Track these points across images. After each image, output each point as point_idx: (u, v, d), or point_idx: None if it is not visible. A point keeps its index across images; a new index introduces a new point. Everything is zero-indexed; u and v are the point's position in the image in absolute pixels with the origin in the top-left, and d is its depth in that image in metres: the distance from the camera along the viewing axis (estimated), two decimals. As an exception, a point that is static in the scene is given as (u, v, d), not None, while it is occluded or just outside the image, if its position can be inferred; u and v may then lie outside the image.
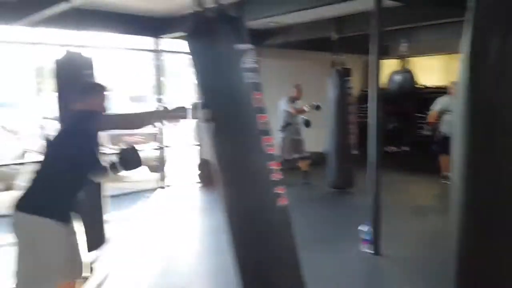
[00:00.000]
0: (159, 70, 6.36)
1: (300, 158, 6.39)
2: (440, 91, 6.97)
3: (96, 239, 3.75)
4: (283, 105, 6.26)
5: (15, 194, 2.35)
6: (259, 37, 6.88)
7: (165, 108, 2.49)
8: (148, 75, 7.11)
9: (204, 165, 6.92)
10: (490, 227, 1.43)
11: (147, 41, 6.47)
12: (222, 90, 2.14)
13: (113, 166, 2.38)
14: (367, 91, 7.27)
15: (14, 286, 2.20)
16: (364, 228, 3.82)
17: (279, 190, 2.17)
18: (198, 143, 7.17)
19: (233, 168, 2.18)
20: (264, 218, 2.14)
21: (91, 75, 3.60)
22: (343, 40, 6.09)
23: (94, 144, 2.33)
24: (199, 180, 6.91)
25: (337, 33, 5.89)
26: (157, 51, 6.31)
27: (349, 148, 6.07)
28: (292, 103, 6.27)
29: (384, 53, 8.56)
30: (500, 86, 1.34)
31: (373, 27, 3.65)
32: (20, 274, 2.20)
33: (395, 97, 7.26)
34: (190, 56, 2.28)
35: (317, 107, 6.16)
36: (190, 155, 7.54)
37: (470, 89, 1.41)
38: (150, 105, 8.34)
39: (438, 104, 6.27)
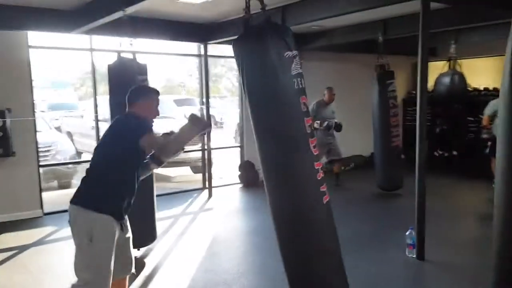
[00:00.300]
0: (205, 74, 6.52)
1: (331, 161, 6.35)
2: (493, 93, 6.69)
3: (147, 236, 3.95)
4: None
5: (70, 192, 2.50)
6: (302, 40, 6.91)
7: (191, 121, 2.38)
8: (193, 79, 7.33)
9: (245, 166, 7.05)
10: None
11: (192, 47, 6.69)
12: (272, 94, 2.23)
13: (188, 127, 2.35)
14: (414, 93, 7.12)
15: (75, 280, 2.31)
16: (408, 232, 3.77)
17: (323, 188, 2.27)
18: (240, 145, 7.30)
19: (282, 169, 2.26)
20: (313, 215, 2.25)
21: (145, 80, 3.77)
22: (390, 42, 5.98)
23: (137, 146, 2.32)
24: (240, 181, 7.03)
25: (383, 35, 5.80)
26: (203, 56, 6.48)
27: (395, 151, 5.98)
28: (324, 107, 6.14)
29: (433, 54, 8.34)
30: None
31: (421, 28, 3.59)
32: (76, 268, 2.30)
33: (443, 99, 7.04)
34: (237, 61, 2.36)
35: (328, 127, 6.03)
36: (233, 157, 7.69)
37: (510, 91, 1.40)
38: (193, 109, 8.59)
39: (490, 107, 6.04)
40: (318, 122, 5.95)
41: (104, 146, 2.44)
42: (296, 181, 2.25)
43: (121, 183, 2.36)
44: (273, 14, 4.90)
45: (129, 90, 2.56)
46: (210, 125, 2.53)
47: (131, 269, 2.57)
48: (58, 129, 9.35)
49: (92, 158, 2.45)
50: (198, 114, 2.61)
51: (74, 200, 2.33)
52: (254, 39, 2.25)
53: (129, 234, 2.52)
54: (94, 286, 2.28)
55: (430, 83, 10.82)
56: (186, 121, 2.39)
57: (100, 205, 2.28)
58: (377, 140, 6.10)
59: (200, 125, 2.36)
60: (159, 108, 2.57)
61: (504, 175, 1.46)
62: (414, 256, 3.73)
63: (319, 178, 2.26)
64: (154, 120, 2.53)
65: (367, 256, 3.87)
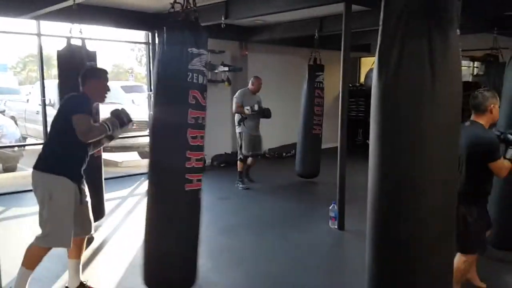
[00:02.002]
0: (152, 61, 6.73)
1: (255, 155, 6.04)
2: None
3: (96, 213, 4.19)
4: (234, 98, 5.94)
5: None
6: (247, 33, 7.35)
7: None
8: (142, 65, 7.49)
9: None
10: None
11: (141, 35, 6.89)
12: (164, 81, 2.49)
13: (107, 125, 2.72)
14: (352, 86, 7.46)
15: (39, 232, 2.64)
16: (331, 207, 4.33)
17: (191, 176, 2.50)
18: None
19: (157, 148, 2.56)
20: (171, 198, 2.53)
21: (94, 66, 3.98)
22: (329, 38, 6.46)
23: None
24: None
25: (319, 31, 6.28)
26: (151, 44, 6.70)
27: (315, 140, 6.19)
28: (249, 96, 5.92)
29: (367, 50, 9.03)
30: (397, 85, 1.79)
31: (344, 27, 4.09)
32: (40, 222, 2.64)
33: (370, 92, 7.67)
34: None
35: (261, 111, 5.81)
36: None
37: (376, 87, 1.87)
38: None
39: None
40: (249, 108, 5.71)
41: (55, 119, 2.74)
42: (164, 163, 2.51)
43: (70, 152, 2.69)
44: (218, 8, 5.27)
45: (82, 71, 2.87)
46: (131, 120, 2.88)
47: (90, 231, 2.91)
48: (3, 113, 9.15)
49: (50, 129, 2.80)
50: (121, 110, 2.90)
51: (36, 166, 2.70)
52: (170, 30, 2.45)
53: (88, 199, 2.86)
54: (54, 237, 2.64)
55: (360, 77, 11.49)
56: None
57: (56, 168, 2.65)
58: (300, 128, 6.27)
59: (121, 120, 2.79)
60: (108, 91, 2.86)
61: (371, 162, 1.93)
62: (336, 227, 4.30)
63: (187, 166, 2.45)
64: (103, 100, 2.86)
65: (295, 227, 4.41)
